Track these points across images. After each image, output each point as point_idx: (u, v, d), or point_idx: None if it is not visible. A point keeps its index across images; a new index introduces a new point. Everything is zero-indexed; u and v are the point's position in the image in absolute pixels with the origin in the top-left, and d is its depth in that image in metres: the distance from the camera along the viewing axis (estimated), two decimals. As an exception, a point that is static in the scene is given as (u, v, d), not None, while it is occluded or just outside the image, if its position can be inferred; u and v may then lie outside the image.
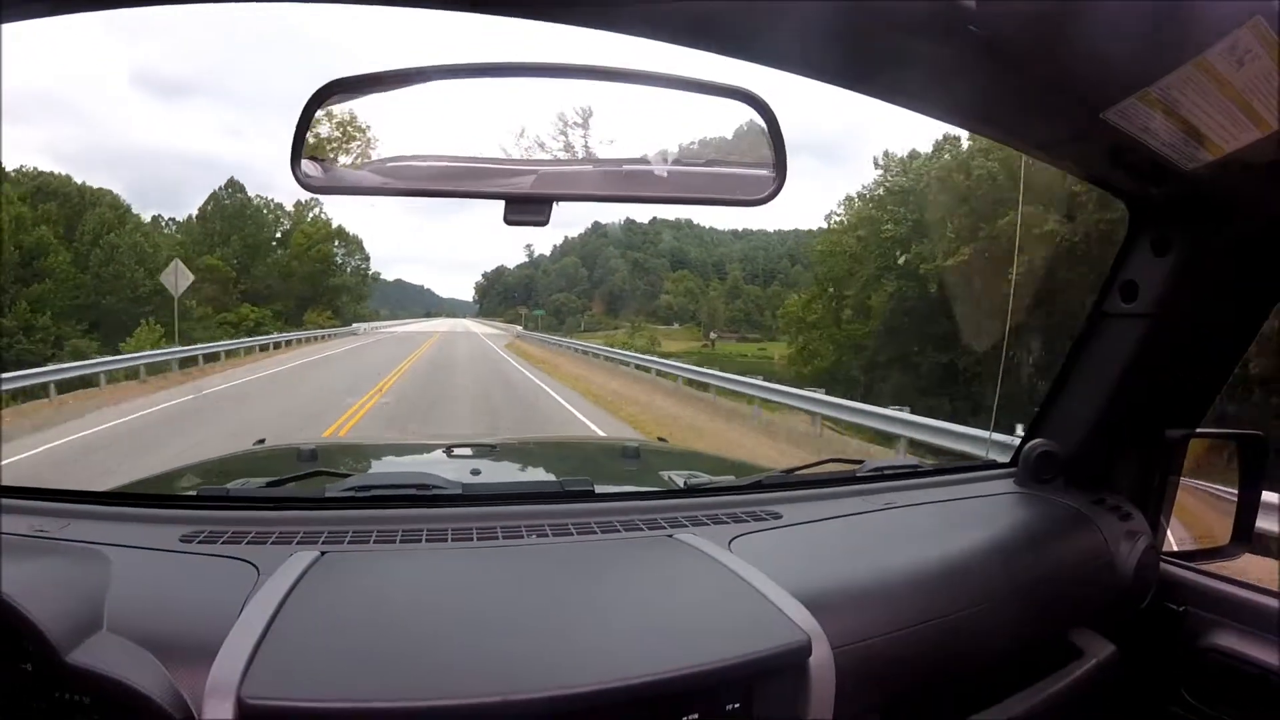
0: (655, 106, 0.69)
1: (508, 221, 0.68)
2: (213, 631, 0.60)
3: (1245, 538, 1.23)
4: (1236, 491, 1.24)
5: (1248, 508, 1.22)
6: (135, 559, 0.73)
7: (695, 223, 77.09)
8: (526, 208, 0.68)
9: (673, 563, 0.81)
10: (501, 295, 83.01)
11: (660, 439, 1.55)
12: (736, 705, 0.64)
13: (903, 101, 0.80)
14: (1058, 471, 1.19)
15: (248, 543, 0.77)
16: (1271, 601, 1.02)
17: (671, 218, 77.29)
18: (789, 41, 0.67)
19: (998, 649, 0.89)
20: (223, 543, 0.77)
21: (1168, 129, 0.80)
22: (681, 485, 1.20)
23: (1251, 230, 0.97)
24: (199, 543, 0.78)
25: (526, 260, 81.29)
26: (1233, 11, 0.65)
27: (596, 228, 77.42)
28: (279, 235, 39.38)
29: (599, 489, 1.04)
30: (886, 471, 1.24)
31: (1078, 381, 1.19)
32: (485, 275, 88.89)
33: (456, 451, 1.35)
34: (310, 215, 39.13)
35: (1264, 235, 0.98)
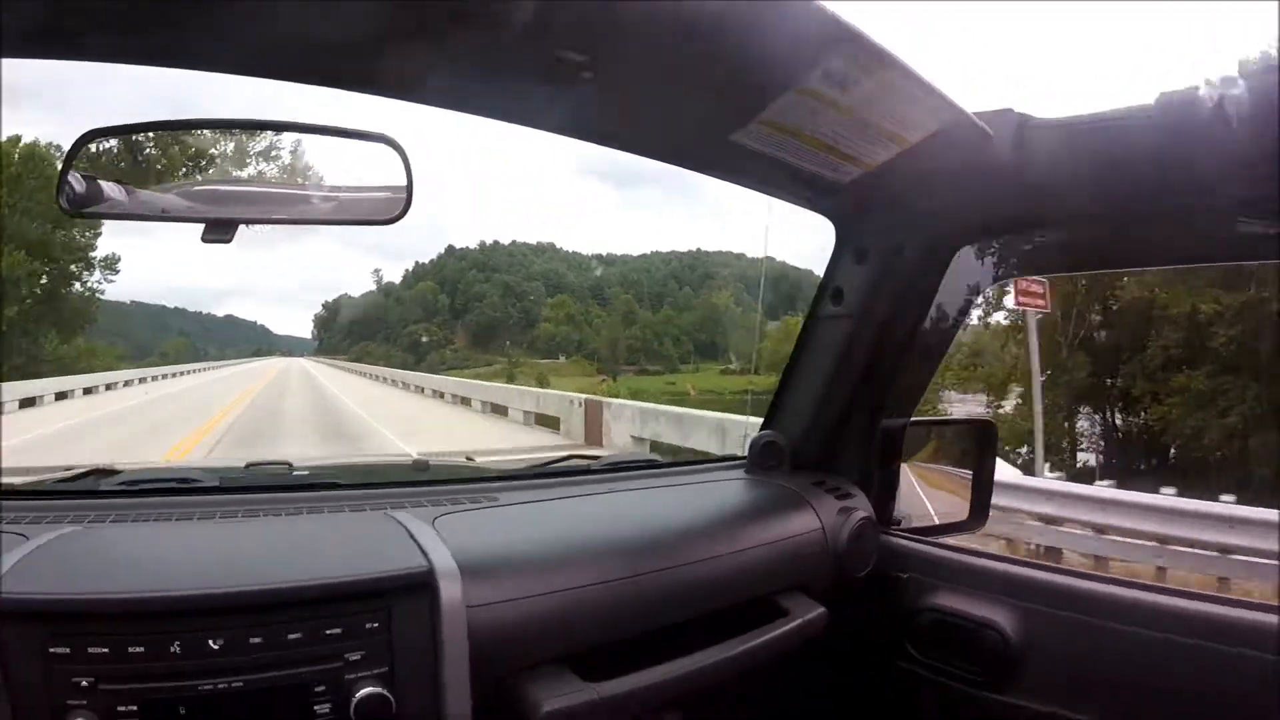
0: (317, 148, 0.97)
1: (204, 239, 0.90)
2: None
3: (982, 512, 1.51)
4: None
5: (982, 486, 1.51)
6: None
7: (559, 246, 75.82)
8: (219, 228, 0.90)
9: (368, 530, 1.00)
10: (346, 329, 77.99)
11: (468, 457, 1.68)
12: (376, 625, 0.82)
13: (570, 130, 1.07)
14: (783, 460, 1.43)
15: (26, 523, 0.89)
16: (978, 561, 1.30)
17: (533, 240, 76.12)
18: (438, 78, 0.90)
19: (705, 610, 1.10)
20: (4, 524, 0.89)
21: (802, 149, 1.06)
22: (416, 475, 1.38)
23: (932, 237, 1.29)
24: None
25: (374, 288, 76.49)
26: (824, 42, 0.86)
27: (451, 251, 74.74)
28: None
29: (343, 480, 1.20)
30: (622, 464, 1.45)
31: (799, 378, 1.46)
32: (326, 306, 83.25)
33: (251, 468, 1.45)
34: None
35: (939, 242, 1.29)
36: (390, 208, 0.97)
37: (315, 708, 0.79)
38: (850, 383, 1.40)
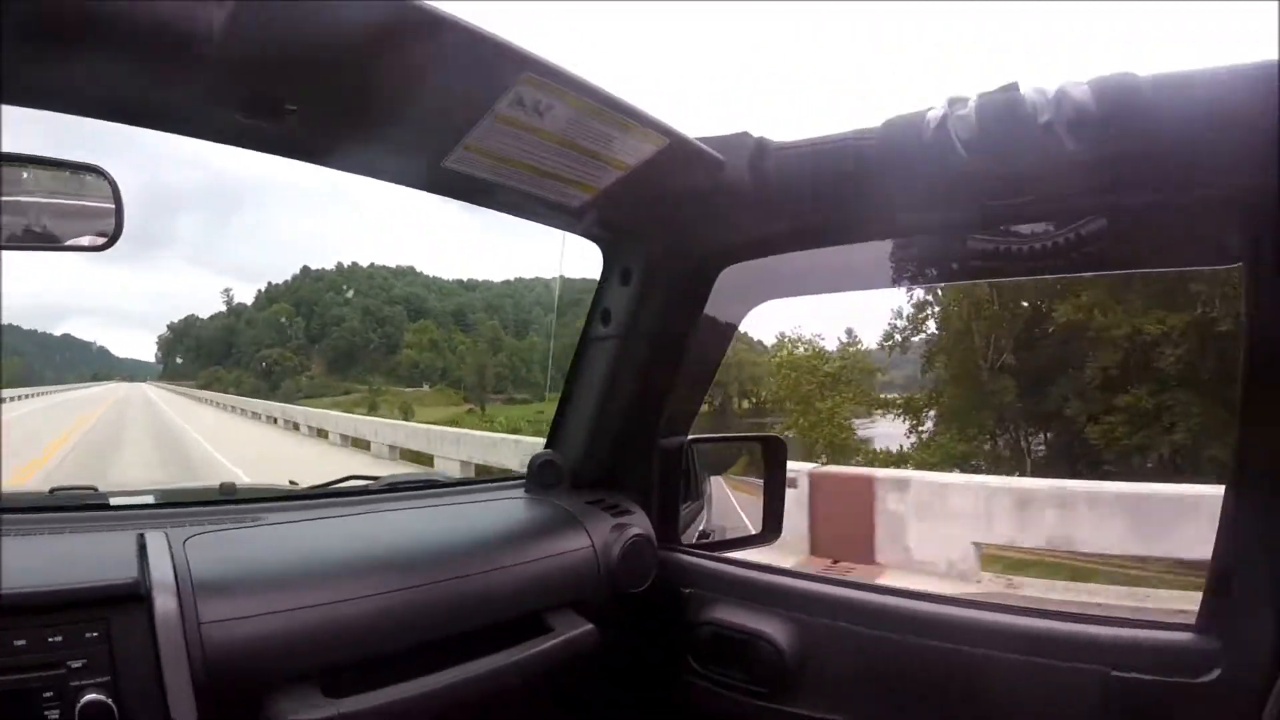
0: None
1: None
2: None
3: (776, 526, 1.58)
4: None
5: (774, 500, 1.58)
6: None
7: (419, 269, 73.37)
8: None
9: (104, 547, 1.00)
10: (194, 353, 72.81)
11: (291, 482, 1.64)
12: (95, 635, 0.86)
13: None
14: (560, 479, 1.47)
15: None
16: (754, 575, 1.36)
17: (393, 263, 73.54)
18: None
19: (469, 627, 1.13)
20: None
21: (522, 174, 1.11)
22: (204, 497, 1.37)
23: (689, 260, 1.36)
24: None
25: (224, 309, 71.32)
26: (505, 70, 0.90)
27: (307, 271, 70.67)
28: None
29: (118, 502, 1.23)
30: (402, 484, 1.47)
31: (575, 399, 1.51)
32: (172, 328, 77.09)
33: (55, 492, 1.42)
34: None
35: (697, 265, 1.37)
36: (101, 232, 1.02)
37: (46, 712, 0.82)
38: (623, 402, 1.46)
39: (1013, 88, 0.92)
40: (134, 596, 0.89)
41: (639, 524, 1.40)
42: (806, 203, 1.16)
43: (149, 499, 1.27)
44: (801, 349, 23.37)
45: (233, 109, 0.91)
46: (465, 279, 73.24)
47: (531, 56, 0.90)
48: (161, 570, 0.92)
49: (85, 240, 1.01)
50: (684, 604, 1.38)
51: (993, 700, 1.08)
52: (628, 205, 1.23)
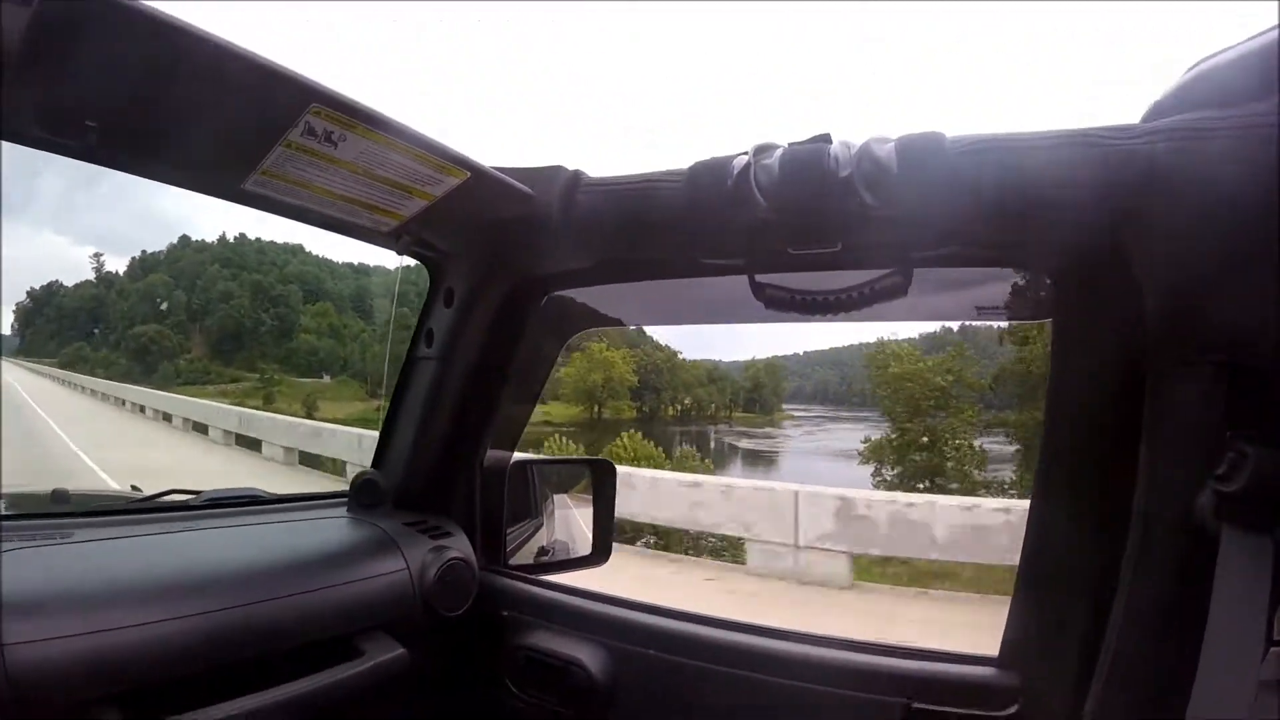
0: None
1: None
2: None
3: (605, 549, 1.64)
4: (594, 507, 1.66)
5: (604, 523, 1.65)
6: None
7: (308, 249, 65.98)
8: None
9: None
10: (56, 324, 65.89)
11: (134, 486, 1.62)
12: None
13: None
14: (383, 499, 1.53)
15: None
16: (570, 600, 1.44)
17: (280, 238, 65.84)
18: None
19: (279, 650, 1.16)
20: None
21: (322, 199, 1.17)
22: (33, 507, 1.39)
23: (510, 286, 1.43)
24: None
25: (93, 277, 65.06)
26: (294, 100, 0.97)
27: (186, 242, 64.69)
28: None
29: None
30: (224, 500, 1.49)
31: (399, 418, 1.58)
32: (32, 295, 68.53)
33: None
34: None
35: (518, 291, 1.44)
36: None
37: None
38: (444, 423, 1.52)
39: (823, 139, 0.99)
40: None
41: (458, 546, 1.46)
42: (614, 238, 1.24)
43: None
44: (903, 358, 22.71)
45: (32, 120, 0.94)
46: (356, 263, 67.85)
47: (317, 88, 0.96)
48: None
49: None
50: (502, 627, 1.45)
51: None
52: (442, 231, 1.31)
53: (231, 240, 64.81)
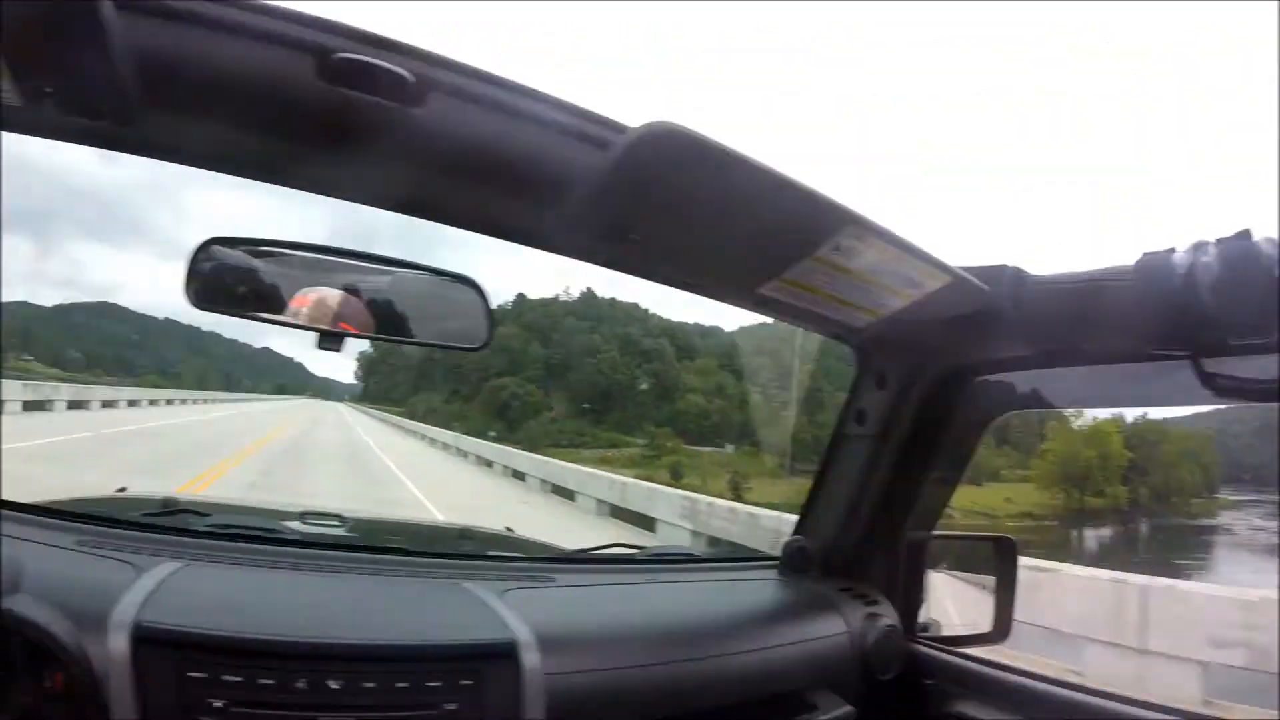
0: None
1: (319, 348, 1.19)
2: (106, 600, 0.98)
3: (1005, 628, 1.75)
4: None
5: (1004, 601, 1.78)
6: (39, 552, 1.09)
7: (642, 306, 64.34)
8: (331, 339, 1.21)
9: (451, 599, 1.26)
10: (397, 374, 70.42)
11: (508, 528, 2.01)
12: (470, 683, 1.07)
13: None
14: (812, 565, 1.74)
15: (128, 552, 1.15)
16: (1006, 676, 1.53)
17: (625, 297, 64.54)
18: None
19: (733, 699, 1.34)
20: (107, 550, 1.15)
21: (819, 300, 1.40)
22: (476, 551, 1.74)
23: (943, 370, 1.63)
24: (88, 548, 1.16)
25: None
26: (831, 223, 1.16)
27: (523, 300, 65.80)
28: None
29: (410, 547, 1.49)
30: (665, 556, 1.80)
31: (827, 490, 1.79)
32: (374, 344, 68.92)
33: (309, 519, 1.74)
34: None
35: (950, 375, 1.63)
36: (474, 336, 1.35)
37: None
38: (874, 497, 1.71)
39: (1244, 235, 1.08)
40: (508, 654, 1.11)
41: (889, 614, 1.62)
42: (1059, 330, 1.37)
43: (392, 534, 1.58)
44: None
45: (592, 234, 1.23)
46: (690, 323, 65.42)
47: (854, 214, 1.14)
48: (521, 628, 1.16)
49: (463, 340, 1.36)
50: (927, 695, 1.59)
51: None
52: (905, 323, 1.47)
53: (580, 294, 64.53)
